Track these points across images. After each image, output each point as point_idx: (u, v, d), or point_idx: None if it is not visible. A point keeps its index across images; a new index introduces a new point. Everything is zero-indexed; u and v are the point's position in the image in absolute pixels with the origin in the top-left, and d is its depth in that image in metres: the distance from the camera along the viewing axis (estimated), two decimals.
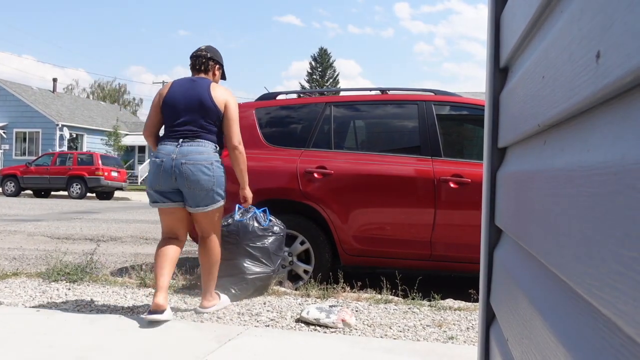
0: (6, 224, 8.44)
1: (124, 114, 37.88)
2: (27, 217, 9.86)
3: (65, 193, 18.60)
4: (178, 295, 3.53)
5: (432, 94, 4.21)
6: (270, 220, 3.55)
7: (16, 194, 18.40)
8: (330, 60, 43.94)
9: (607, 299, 0.45)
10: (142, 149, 32.70)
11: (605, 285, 0.45)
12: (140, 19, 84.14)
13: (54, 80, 31.94)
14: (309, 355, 2.46)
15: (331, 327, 2.88)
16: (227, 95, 3.11)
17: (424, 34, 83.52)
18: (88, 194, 18.45)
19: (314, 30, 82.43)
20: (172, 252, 3.06)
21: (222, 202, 3.08)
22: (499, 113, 1.20)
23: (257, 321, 2.99)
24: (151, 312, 2.84)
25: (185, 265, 4.14)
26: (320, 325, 2.90)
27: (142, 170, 30.92)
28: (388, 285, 3.68)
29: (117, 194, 20.38)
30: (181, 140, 2.99)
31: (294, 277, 4.01)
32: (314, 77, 43.43)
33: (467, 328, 2.95)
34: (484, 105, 1.16)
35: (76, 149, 27.77)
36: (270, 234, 3.50)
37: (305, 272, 3.96)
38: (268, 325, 2.93)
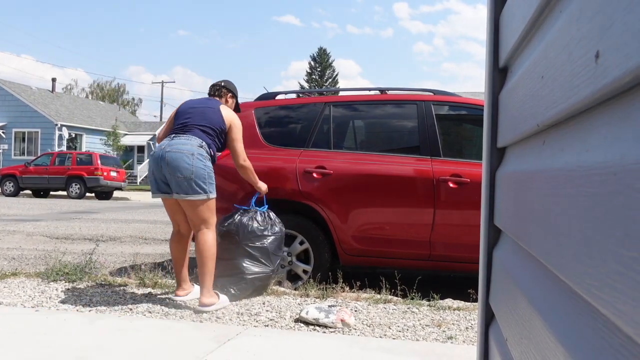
0: (5, 224, 8.43)
1: (123, 114, 37.87)
2: (26, 217, 9.85)
3: (64, 193, 18.59)
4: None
5: (431, 93, 4.21)
6: (271, 219, 3.56)
7: (15, 193, 18.38)
8: (330, 60, 43.94)
9: (607, 299, 0.45)
10: (141, 148, 32.70)
11: (605, 285, 0.45)
12: (140, 18, 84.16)
13: (53, 80, 31.93)
14: (308, 355, 2.46)
15: (330, 327, 2.88)
16: (234, 116, 3.46)
17: (424, 34, 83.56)
18: (87, 194, 18.44)
19: (313, 30, 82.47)
20: (176, 253, 3.42)
21: (204, 196, 3.18)
22: (498, 113, 1.20)
23: (257, 321, 2.99)
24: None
25: None
26: (319, 325, 2.90)
27: (141, 170, 30.91)
28: (387, 285, 3.68)
29: (116, 193, 20.37)
30: (174, 135, 3.29)
31: (293, 277, 4.01)
32: (313, 77, 43.42)
33: (466, 328, 2.95)
34: (483, 105, 1.16)
35: (75, 148, 27.75)
36: (269, 233, 3.50)
37: (305, 272, 3.96)
38: (267, 325, 2.93)
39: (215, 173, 3.41)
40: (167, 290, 3.62)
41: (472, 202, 3.64)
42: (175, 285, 3.48)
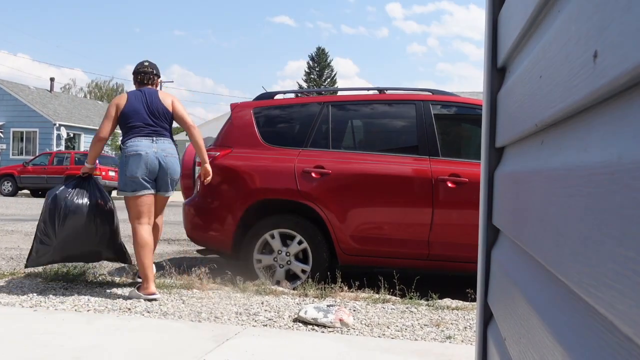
0: (3, 224, 8.42)
1: None
2: (24, 217, 9.84)
3: None
4: (176, 294, 3.52)
5: (429, 93, 4.21)
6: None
7: (13, 193, 18.35)
8: (328, 60, 43.91)
9: (605, 299, 0.45)
10: None
11: (603, 285, 0.45)
12: (136, 18, 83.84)
13: (52, 79, 31.82)
14: (307, 354, 2.46)
15: (329, 327, 2.88)
16: (169, 96, 3.69)
17: (418, 34, 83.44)
18: None
19: (307, 30, 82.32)
20: (152, 244, 3.57)
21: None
22: (497, 113, 1.20)
23: (255, 321, 2.99)
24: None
25: (183, 265, 4.14)
26: (318, 325, 2.90)
27: None
28: (386, 285, 3.68)
29: (114, 193, 20.34)
30: (154, 137, 3.48)
31: (291, 277, 4.01)
32: (312, 76, 43.37)
33: (465, 327, 2.96)
34: (481, 105, 1.16)
35: (73, 148, 27.69)
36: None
37: (303, 271, 3.96)
38: (266, 325, 2.93)
39: (216, 173, 3.42)
40: (166, 290, 3.61)
41: (470, 201, 3.64)
42: (148, 282, 3.39)
